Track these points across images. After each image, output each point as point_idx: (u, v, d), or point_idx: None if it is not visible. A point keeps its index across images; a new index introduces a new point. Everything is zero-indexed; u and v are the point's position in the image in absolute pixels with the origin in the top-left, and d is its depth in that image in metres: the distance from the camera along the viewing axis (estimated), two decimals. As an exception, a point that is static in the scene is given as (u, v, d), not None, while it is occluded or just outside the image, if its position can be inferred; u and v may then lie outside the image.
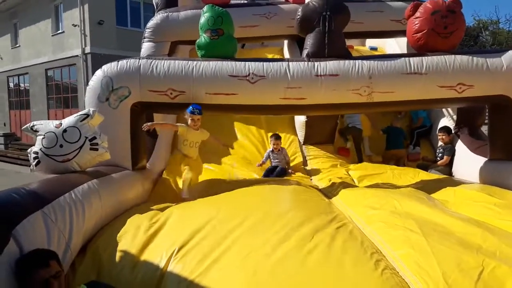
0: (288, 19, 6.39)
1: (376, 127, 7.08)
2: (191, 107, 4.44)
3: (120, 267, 2.52)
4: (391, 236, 2.72)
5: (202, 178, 5.20)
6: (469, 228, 2.83)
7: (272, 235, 2.70)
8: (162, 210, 3.44)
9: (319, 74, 4.45)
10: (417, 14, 4.63)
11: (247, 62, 4.52)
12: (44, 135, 3.39)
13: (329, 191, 4.56)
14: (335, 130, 6.76)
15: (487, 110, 5.17)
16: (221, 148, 5.98)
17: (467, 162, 5.45)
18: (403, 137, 6.91)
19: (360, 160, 6.58)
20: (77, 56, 17.41)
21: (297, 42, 7.10)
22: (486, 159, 4.98)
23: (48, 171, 3.43)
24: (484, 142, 5.36)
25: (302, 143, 6.77)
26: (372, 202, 3.61)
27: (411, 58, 4.50)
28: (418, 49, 4.70)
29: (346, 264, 2.34)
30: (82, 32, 17.07)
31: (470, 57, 4.44)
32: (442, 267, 2.20)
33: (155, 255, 2.53)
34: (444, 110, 6.76)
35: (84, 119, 3.52)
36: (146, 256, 2.58)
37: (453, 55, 4.46)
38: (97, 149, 3.52)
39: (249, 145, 6.64)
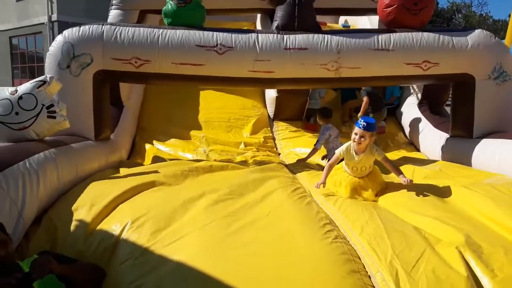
0: (260, -10, 6.23)
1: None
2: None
3: (75, 236, 2.48)
4: (346, 210, 2.77)
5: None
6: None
7: (232, 209, 2.71)
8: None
9: (288, 47, 4.39)
10: (389, -12, 4.60)
11: (215, 32, 4.41)
12: (-2, 102, 3.23)
13: (295, 167, 4.60)
14: (304, 107, 6.77)
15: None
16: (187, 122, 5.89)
17: (431, 137, 5.60)
18: (355, 89, 7.08)
19: None
20: (43, 23, 16.64)
21: (270, 17, 6.96)
22: (448, 135, 5.12)
23: (4, 139, 3.30)
24: (447, 119, 5.49)
25: (272, 118, 6.78)
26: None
27: (379, 35, 4.49)
28: (387, 24, 4.70)
29: (296, 233, 2.37)
30: (49, -2, 16.27)
31: (437, 35, 4.46)
32: (392, 240, 2.28)
33: (110, 226, 2.50)
34: (410, 86, 6.88)
35: (40, 85, 3.37)
36: (101, 226, 2.55)
37: (420, 32, 4.48)
38: (54, 117, 3.40)
39: (220, 116, 6.60)
